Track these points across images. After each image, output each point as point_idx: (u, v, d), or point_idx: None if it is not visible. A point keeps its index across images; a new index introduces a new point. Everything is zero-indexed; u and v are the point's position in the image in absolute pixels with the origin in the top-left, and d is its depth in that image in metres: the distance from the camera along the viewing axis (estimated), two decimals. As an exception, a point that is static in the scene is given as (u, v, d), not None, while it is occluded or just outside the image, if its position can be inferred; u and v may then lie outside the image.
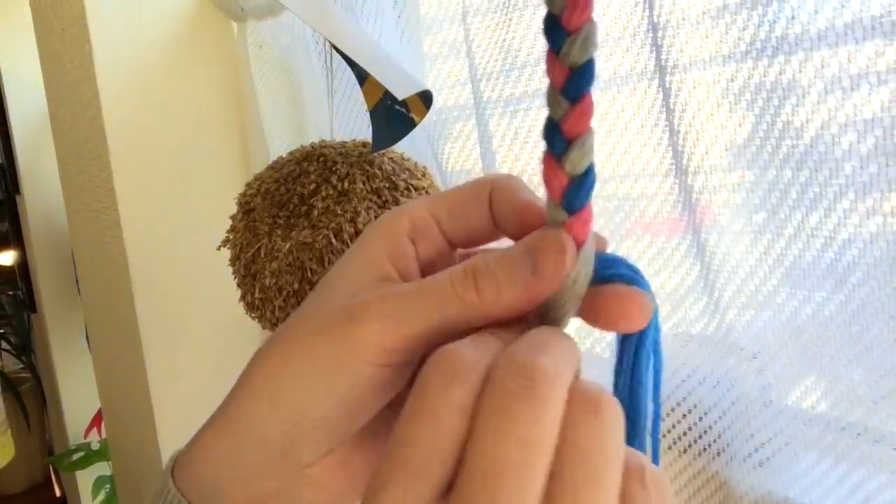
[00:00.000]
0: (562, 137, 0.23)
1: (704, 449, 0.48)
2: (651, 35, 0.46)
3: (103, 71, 0.79)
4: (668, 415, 0.49)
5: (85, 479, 1.85)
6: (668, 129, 0.47)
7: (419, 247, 0.28)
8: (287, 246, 0.57)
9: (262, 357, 0.27)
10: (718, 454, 0.47)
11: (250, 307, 0.62)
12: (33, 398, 2.34)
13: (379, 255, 0.27)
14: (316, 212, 0.57)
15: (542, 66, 0.23)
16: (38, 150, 1.77)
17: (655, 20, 0.46)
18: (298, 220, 0.58)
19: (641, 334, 0.27)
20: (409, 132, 0.60)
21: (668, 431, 0.49)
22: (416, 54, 0.69)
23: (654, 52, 0.47)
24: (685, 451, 0.49)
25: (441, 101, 0.67)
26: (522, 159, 0.58)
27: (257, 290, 0.59)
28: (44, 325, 1.97)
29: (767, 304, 0.46)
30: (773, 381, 0.47)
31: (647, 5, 0.46)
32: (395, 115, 0.61)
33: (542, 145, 0.23)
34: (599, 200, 0.54)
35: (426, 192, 0.61)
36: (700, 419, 0.48)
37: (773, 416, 0.45)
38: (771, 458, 0.45)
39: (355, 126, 0.75)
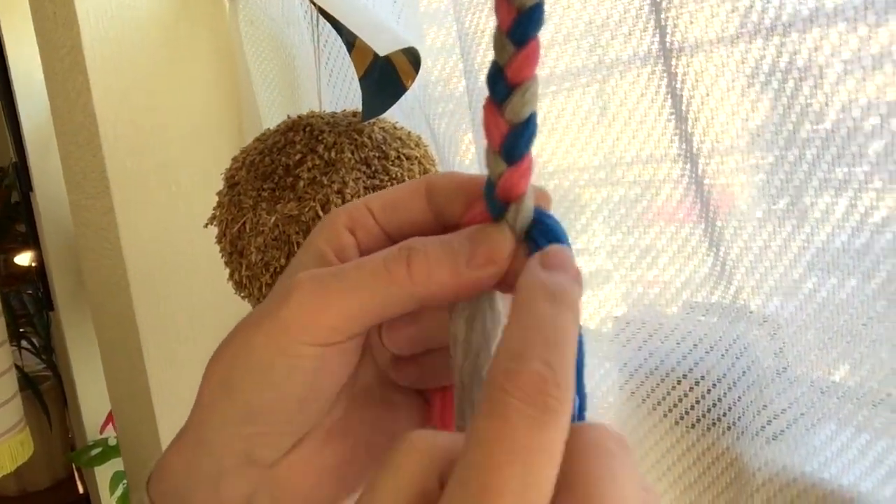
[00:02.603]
0: (505, 83, 0.22)
1: (714, 423, 0.45)
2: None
3: (92, 54, 0.78)
4: (673, 388, 0.46)
5: (104, 474, 1.85)
6: (675, 114, 0.44)
7: (358, 237, 0.28)
8: (272, 219, 0.55)
9: (211, 361, 0.27)
10: (729, 428, 0.44)
11: (238, 286, 0.59)
12: (55, 396, 2.35)
13: (322, 246, 0.27)
14: (302, 183, 0.55)
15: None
16: (47, 146, 1.77)
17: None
18: (284, 193, 0.55)
19: None
20: (398, 98, 0.57)
21: (675, 406, 0.46)
22: (414, 18, 0.66)
23: (659, 35, 0.44)
24: (693, 426, 0.46)
25: (437, 69, 0.65)
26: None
27: (244, 268, 0.57)
28: (59, 323, 1.97)
29: (784, 284, 0.42)
30: (787, 347, 0.43)
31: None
32: (385, 82, 0.58)
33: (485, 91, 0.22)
34: (619, 187, 0.51)
35: (419, 162, 0.58)
36: (708, 391, 0.44)
37: (786, 386, 0.42)
38: (786, 431, 0.42)
39: (348, 98, 0.72)
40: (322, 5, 0.51)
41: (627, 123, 0.48)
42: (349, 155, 0.55)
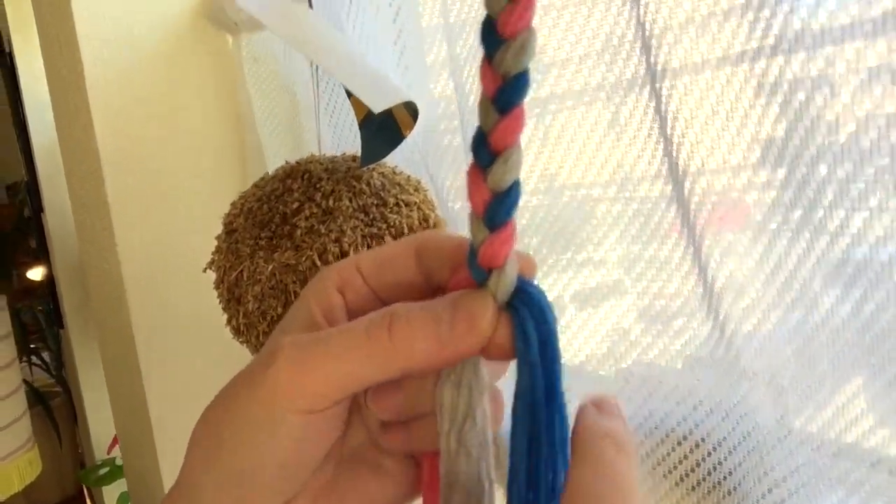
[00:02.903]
0: (488, 150, 0.22)
1: (714, 487, 0.44)
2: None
3: (95, 91, 0.78)
4: (673, 449, 0.45)
5: (111, 494, 1.85)
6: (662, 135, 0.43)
7: (348, 298, 0.28)
8: (269, 268, 0.54)
9: (199, 421, 0.27)
10: (730, 493, 0.43)
11: (236, 332, 0.59)
12: (65, 412, 2.36)
13: (311, 306, 0.28)
14: (299, 232, 0.54)
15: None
16: (56, 165, 1.78)
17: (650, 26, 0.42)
18: (281, 241, 0.55)
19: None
20: (396, 146, 0.57)
21: (675, 467, 0.45)
22: (420, 66, 0.66)
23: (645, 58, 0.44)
24: (693, 489, 0.45)
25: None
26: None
27: (241, 315, 0.57)
28: (69, 340, 1.98)
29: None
30: (791, 410, 0.42)
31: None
32: (384, 129, 0.58)
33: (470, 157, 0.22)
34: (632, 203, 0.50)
35: (418, 208, 0.58)
36: (709, 454, 0.44)
37: (791, 450, 0.41)
38: (790, 497, 0.41)
39: (350, 137, 0.72)
40: (316, 61, 0.51)
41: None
42: (347, 203, 0.55)
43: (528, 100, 0.21)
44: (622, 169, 0.47)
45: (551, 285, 0.53)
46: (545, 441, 0.24)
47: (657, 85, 0.42)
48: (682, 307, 0.44)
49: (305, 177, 0.57)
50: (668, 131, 0.44)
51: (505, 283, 0.24)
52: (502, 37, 0.21)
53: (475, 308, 0.24)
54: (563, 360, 0.24)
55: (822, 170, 0.38)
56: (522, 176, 0.23)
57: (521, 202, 0.23)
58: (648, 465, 0.46)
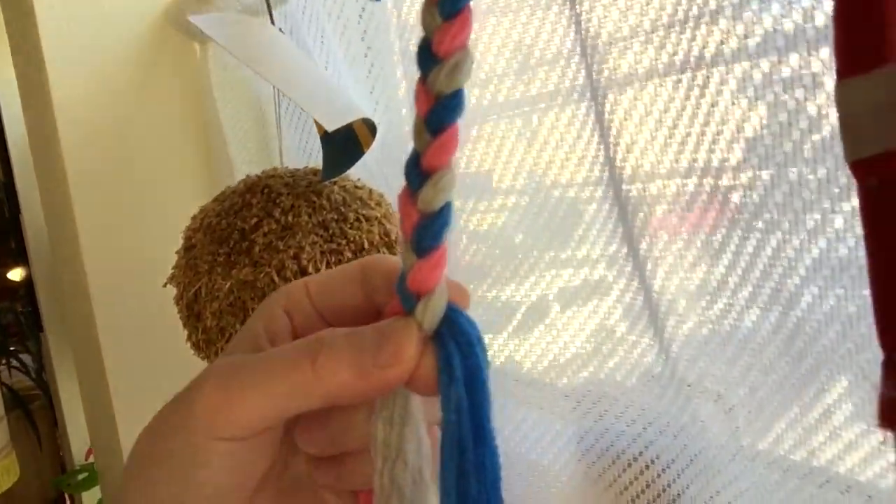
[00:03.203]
0: (419, 171, 0.21)
1: (665, 507, 0.44)
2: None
3: (61, 100, 0.77)
4: (623, 471, 0.45)
5: (90, 500, 1.84)
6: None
7: (295, 321, 0.27)
8: (227, 285, 0.54)
9: (133, 446, 0.26)
10: (680, 513, 0.43)
11: (196, 348, 0.59)
12: (45, 416, 2.34)
13: (257, 329, 0.27)
14: (257, 248, 0.54)
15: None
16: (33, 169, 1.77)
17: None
18: (239, 258, 0.54)
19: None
20: (356, 161, 0.56)
21: (625, 489, 0.45)
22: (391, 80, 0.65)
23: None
24: (645, 508, 0.45)
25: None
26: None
27: (200, 332, 0.56)
28: (48, 344, 1.97)
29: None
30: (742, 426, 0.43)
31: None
32: (345, 143, 0.57)
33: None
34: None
35: (379, 223, 0.57)
36: (659, 475, 0.44)
37: (744, 467, 0.41)
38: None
39: (313, 144, 0.71)
40: (269, 79, 0.50)
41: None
42: (306, 219, 0.55)
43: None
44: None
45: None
46: (474, 481, 0.23)
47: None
48: (632, 325, 0.44)
49: (265, 191, 0.57)
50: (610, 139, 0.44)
51: (432, 311, 0.23)
52: (436, 56, 0.20)
53: (399, 337, 0.23)
54: (491, 399, 0.23)
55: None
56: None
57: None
58: (601, 487, 0.46)
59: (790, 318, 0.40)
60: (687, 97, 0.41)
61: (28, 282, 2.19)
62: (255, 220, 0.55)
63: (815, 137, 0.35)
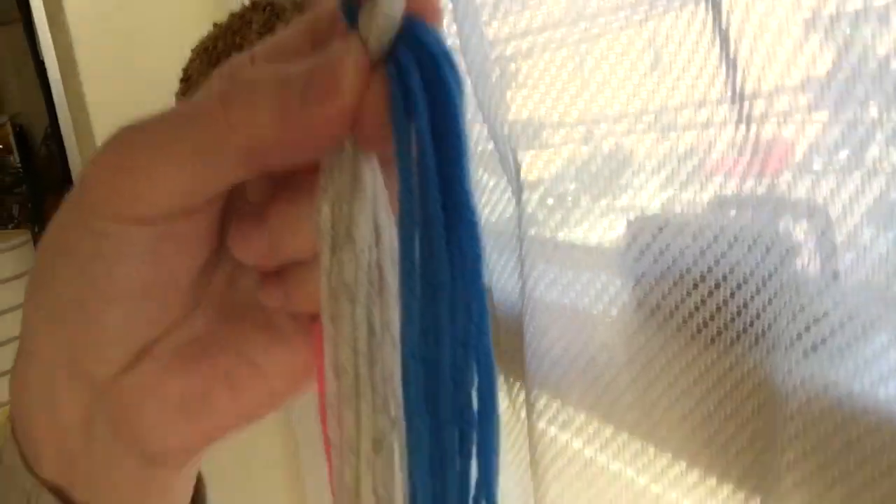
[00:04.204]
0: None
1: (738, 335, 0.36)
2: None
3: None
4: (689, 294, 0.37)
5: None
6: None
7: None
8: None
9: (33, 266, 0.21)
10: (757, 341, 0.35)
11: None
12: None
13: None
14: (258, 68, 0.47)
15: None
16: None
17: None
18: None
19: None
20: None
21: (690, 315, 0.37)
22: None
23: None
24: (713, 340, 0.37)
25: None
26: None
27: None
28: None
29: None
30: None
31: None
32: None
33: None
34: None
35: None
36: (731, 295, 0.36)
37: (828, 282, 0.33)
38: (828, 340, 0.33)
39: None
40: None
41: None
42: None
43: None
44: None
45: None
46: (445, 267, 0.16)
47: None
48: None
49: (267, 9, 0.50)
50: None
51: (379, 19, 0.16)
52: None
53: (334, 61, 0.17)
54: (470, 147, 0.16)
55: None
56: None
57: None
58: (660, 317, 0.38)
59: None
60: None
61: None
62: (255, 36, 0.48)
63: None
